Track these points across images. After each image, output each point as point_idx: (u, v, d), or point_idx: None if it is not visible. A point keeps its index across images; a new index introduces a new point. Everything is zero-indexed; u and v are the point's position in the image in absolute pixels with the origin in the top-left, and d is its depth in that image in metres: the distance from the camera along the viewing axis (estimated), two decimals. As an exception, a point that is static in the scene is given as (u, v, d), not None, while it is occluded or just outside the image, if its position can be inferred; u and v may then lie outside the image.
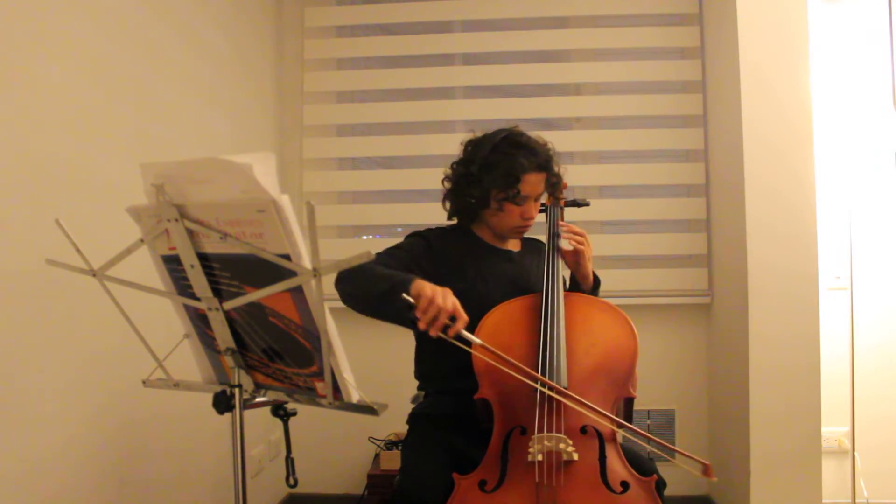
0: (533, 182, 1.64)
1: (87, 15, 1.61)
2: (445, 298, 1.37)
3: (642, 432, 1.41)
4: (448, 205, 1.78)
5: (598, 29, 2.87)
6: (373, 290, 1.46)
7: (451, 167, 1.75)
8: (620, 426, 1.45)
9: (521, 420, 1.44)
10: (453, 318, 1.37)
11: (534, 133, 1.72)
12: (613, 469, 1.39)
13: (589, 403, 1.41)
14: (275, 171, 0.92)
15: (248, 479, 1.15)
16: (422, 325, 1.36)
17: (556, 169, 1.71)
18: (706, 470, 1.31)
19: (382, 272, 1.49)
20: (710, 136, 2.75)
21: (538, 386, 1.42)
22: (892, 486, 2.56)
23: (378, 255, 1.65)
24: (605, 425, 1.44)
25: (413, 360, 1.79)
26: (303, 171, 2.89)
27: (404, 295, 1.37)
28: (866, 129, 2.58)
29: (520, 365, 1.41)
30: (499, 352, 1.42)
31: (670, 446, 1.38)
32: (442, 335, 1.36)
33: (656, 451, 1.36)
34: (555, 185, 1.73)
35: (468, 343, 1.39)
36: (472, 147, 1.71)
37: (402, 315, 1.39)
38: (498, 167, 1.63)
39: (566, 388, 1.44)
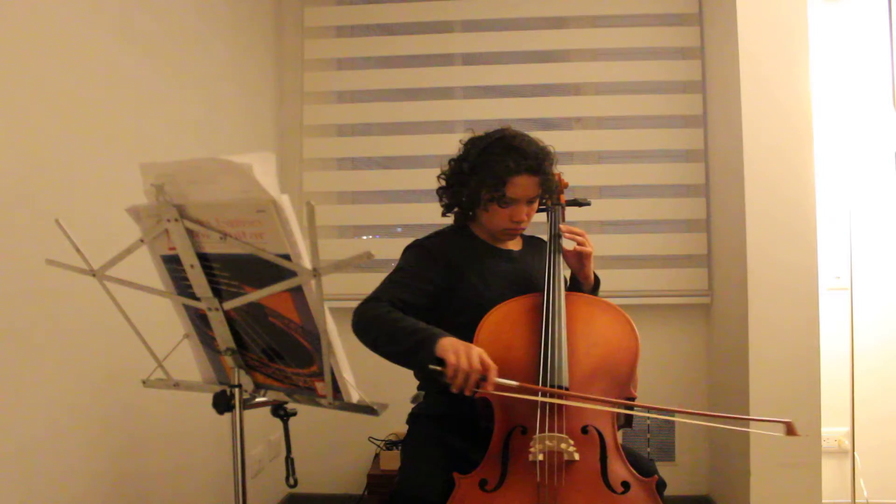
0: (521, 185, 1.62)
1: (87, 15, 1.61)
2: (471, 358, 1.33)
3: (715, 415, 1.38)
4: (443, 200, 1.77)
5: (597, 29, 2.87)
6: (396, 347, 1.44)
7: (449, 163, 1.76)
8: (631, 409, 1.46)
9: (522, 420, 1.44)
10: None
11: (535, 134, 1.71)
12: (614, 469, 1.39)
13: (599, 397, 1.42)
14: (275, 171, 0.92)
15: (248, 479, 1.15)
16: (454, 391, 1.34)
17: (551, 172, 1.68)
18: (790, 429, 1.29)
19: (402, 325, 1.46)
20: (710, 136, 2.75)
21: (539, 398, 1.41)
22: (892, 486, 2.56)
23: (389, 287, 1.61)
24: (606, 426, 1.44)
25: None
26: (303, 171, 2.88)
27: (431, 367, 1.35)
28: (866, 129, 2.58)
29: (528, 386, 1.40)
30: (524, 384, 1.40)
31: (743, 417, 1.38)
32: (478, 391, 1.34)
33: (729, 426, 1.35)
34: (550, 188, 1.69)
35: (506, 388, 1.35)
36: (469, 145, 1.71)
37: (432, 378, 1.36)
38: (486, 168, 1.63)
39: (568, 389, 1.44)
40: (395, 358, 1.47)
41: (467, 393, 1.33)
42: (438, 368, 1.34)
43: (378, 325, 1.50)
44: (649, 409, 1.48)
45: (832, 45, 2.58)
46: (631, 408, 1.55)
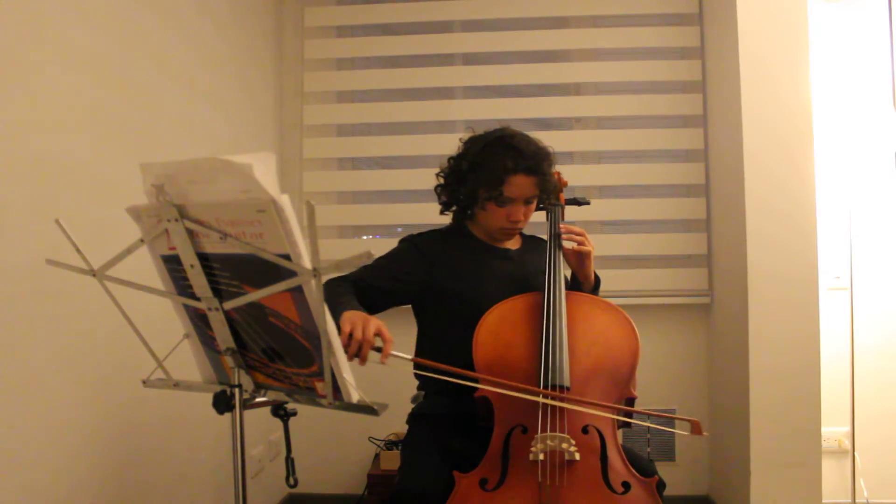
0: (518, 184, 1.62)
1: (87, 15, 1.60)
2: (366, 328, 1.34)
3: (644, 411, 1.44)
4: (442, 198, 1.78)
5: (597, 29, 2.87)
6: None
7: (448, 161, 1.76)
8: (627, 414, 1.46)
9: (522, 419, 1.44)
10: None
11: (535, 133, 1.71)
12: (615, 469, 1.39)
13: (595, 402, 1.42)
14: (275, 171, 0.92)
15: (248, 479, 1.15)
16: (349, 359, 1.33)
17: (549, 172, 1.68)
18: (694, 428, 1.34)
19: (333, 300, 1.47)
20: (710, 136, 2.75)
21: (539, 399, 1.41)
22: (892, 486, 2.56)
23: (363, 269, 1.66)
24: (607, 426, 1.44)
25: (413, 360, 1.79)
26: (303, 171, 2.89)
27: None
28: (866, 129, 2.58)
29: (510, 383, 1.41)
30: (500, 380, 1.42)
31: (664, 415, 1.42)
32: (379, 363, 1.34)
33: (656, 426, 1.39)
34: (547, 188, 1.69)
35: (413, 363, 1.37)
36: (468, 144, 1.72)
37: None
38: (484, 166, 1.63)
39: (568, 389, 1.44)
40: None
41: (361, 364, 1.33)
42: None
43: (326, 295, 1.51)
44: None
45: (832, 45, 2.58)
46: (626, 413, 1.54)
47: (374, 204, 2.96)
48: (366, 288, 1.62)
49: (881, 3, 2.53)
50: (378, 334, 1.35)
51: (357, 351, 1.32)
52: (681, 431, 1.37)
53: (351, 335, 1.32)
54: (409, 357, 1.37)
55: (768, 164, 2.28)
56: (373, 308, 1.60)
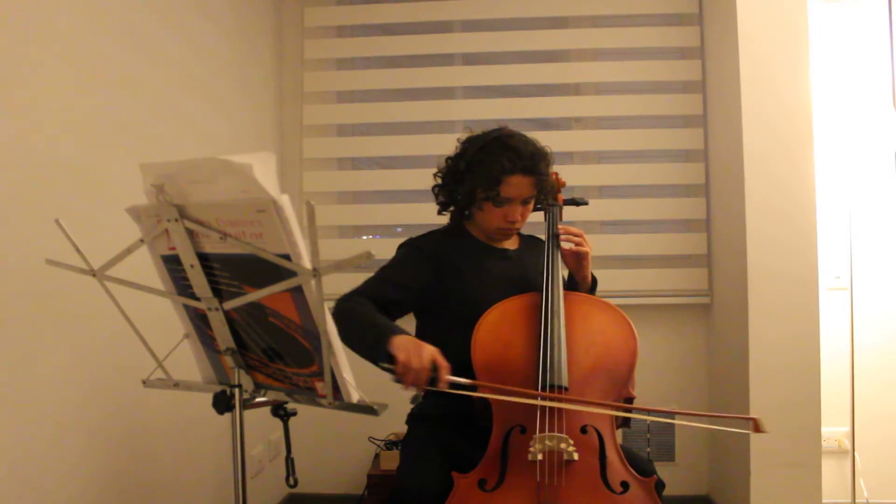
0: (515, 184, 1.62)
1: (87, 15, 1.61)
2: (421, 357, 1.32)
3: (699, 413, 1.41)
4: (440, 198, 1.78)
5: (597, 29, 2.87)
6: (359, 342, 1.43)
7: (445, 161, 1.76)
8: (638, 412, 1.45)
9: (521, 419, 1.44)
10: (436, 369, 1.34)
11: (535, 134, 1.71)
12: (613, 469, 1.39)
13: (598, 402, 1.41)
14: (275, 171, 0.92)
15: (248, 479, 1.15)
16: (405, 389, 1.34)
17: (546, 172, 1.68)
18: (755, 426, 1.29)
19: (366, 321, 1.47)
20: (710, 136, 2.75)
21: (539, 402, 1.41)
22: (892, 486, 2.56)
23: (374, 282, 1.65)
24: (605, 425, 1.45)
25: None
26: (303, 171, 2.89)
27: (382, 364, 1.35)
28: (866, 129, 2.58)
29: (519, 390, 1.41)
30: (498, 385, 1.42)
31: (714, 414, 1.37)
32: (431, 388, 1.33)
33: (700, 425, 1.34)
34: (545, 188, 1.69)
35: (466, 387, 1.35)
36: (466, 144, 1.72)
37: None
38: (481, 167, 1.63)
39: (566, 389, 1.44)
40: (359, 352, 1.44)
41: (419, 392, 1.33)
42: (388, 366, 1.34)
43: (348, 318, 1.50)
44: (630, 410, 1.48)
45: (832, 45, 2.58)
46: (630, 410, 1.54)
47: (374, 204, 2.96)
48: (387, 305, 1.60)
49: (881, 3, 2.53)
50: (433, 361, 1.34)
51: (413, 382, 1.32)
52: (741, 430, 1.34)
53: (407, 365, 1.32)
54: (469, 381, 1.35)
55: (768, 164, 2.28)
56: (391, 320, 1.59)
